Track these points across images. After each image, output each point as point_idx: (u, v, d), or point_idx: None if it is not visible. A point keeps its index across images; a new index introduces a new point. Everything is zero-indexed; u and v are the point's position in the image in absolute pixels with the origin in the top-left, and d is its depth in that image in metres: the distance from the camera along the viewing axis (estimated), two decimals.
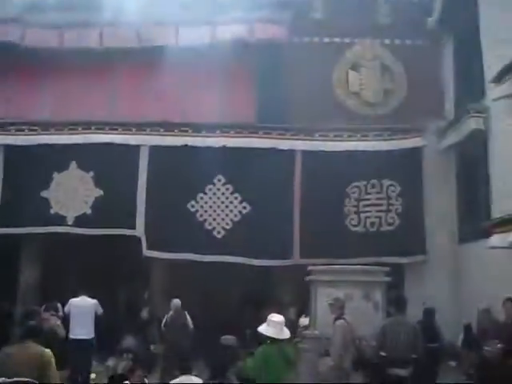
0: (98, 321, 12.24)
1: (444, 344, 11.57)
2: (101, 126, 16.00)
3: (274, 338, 7.02)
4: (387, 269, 11.47)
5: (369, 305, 10.85)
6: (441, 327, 11.39)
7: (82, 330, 11.76)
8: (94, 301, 12.14)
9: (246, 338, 15.44)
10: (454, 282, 15.78)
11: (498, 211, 13.13)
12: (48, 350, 6.61)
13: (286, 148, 15.78)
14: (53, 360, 6.59)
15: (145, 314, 15.94)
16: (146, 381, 9.83)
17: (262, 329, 7.20)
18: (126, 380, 9.37)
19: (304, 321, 12.08)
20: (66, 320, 11.38)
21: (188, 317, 12.49)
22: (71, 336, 11.58)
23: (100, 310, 11.94)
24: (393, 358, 7.60)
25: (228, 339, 13.63)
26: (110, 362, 11.01)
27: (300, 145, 15.86)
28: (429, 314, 11.49)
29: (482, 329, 11.76)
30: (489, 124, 14.04)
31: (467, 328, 13.54)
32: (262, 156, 15.59)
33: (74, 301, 11.90)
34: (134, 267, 16.66)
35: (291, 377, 7.63)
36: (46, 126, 16.08)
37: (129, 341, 13.24)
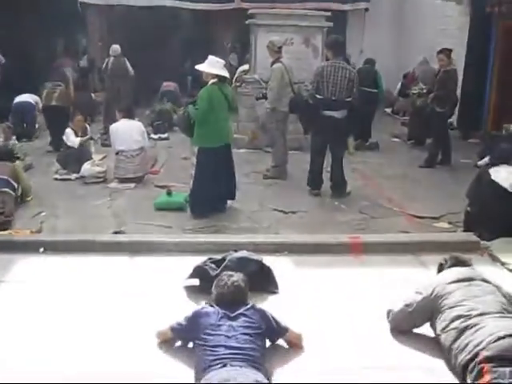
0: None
1: (382, 91, 11.92)
2: None
3: (215, 76, 6.98)
4: (328, 14, 11.31)
5: (308, 50, 10.84)
6: (381, 76, 11.62)
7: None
8: (36, 97, 11.86)
9: (187, 84, 15.63)
10: (397, 32, 15.84)
11: None
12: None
13: None
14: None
15: (84, 62, 15.71)
16: (88, 127, 10.04)
17: (203, 66, 7.10)
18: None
19: (244, 67, 12.10)
20: None
21: (128, 63, 12.31)
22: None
23: (40, 107, 11.68)
24: (328, 101, 7.73)
25: (169, 85, 13.82)
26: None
27: None
28: (369, 62, 11.67)
29: (414, 76, 12.17)
30: None
31: (405, 77, 13.96)
32: None
33: (16, 99, 11.72)
34: (70, 14, 15.96)
35: (232, 115, 7.83)
36: None
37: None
